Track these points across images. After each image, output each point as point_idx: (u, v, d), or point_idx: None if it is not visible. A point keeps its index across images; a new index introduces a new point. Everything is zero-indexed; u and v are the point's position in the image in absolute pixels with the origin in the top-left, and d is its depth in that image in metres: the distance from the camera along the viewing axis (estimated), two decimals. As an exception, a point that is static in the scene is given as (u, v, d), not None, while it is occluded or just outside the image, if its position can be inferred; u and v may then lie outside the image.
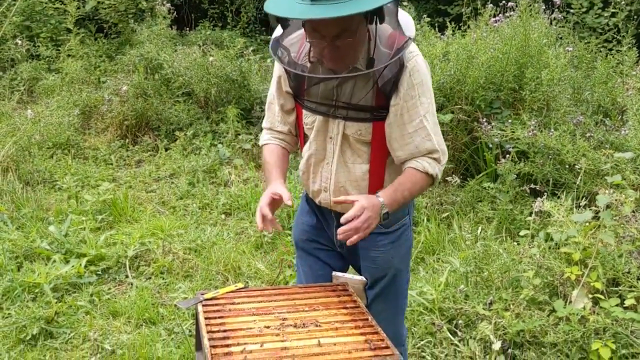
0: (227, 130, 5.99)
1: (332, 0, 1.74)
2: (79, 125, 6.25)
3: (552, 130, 4.31)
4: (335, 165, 2.13)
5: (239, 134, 5.97)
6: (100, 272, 3.84)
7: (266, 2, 1.91)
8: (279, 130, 2.24)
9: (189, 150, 5.86)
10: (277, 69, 2.17)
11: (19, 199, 4.66)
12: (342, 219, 1.89)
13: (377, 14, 1.84)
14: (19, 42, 7.60)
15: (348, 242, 1.90)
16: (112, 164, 5.73)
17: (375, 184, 2.11)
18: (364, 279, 2.21)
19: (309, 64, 2.01)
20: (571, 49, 5.46)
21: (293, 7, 1.80)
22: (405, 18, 1.97)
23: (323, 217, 2.29)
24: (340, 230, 1.89)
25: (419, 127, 1.98)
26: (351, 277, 2.20)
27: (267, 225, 2.04)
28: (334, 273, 2.23)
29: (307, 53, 2.01)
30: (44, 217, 4.49)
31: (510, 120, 4.56)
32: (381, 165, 2.11)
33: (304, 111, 2.15)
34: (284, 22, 1.97)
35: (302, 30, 2.01)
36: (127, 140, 6.16)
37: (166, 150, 5.96)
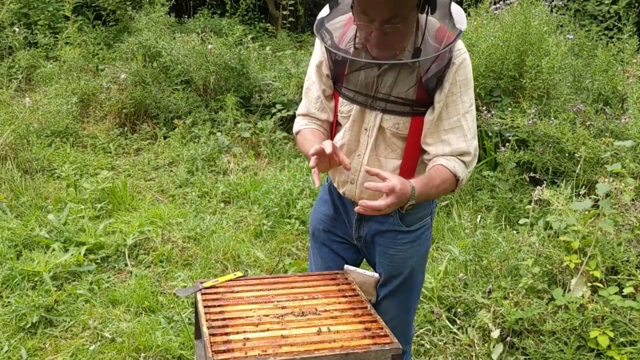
0: (226, 119, 5.97)
1: None
2: (77, 113, 6.22)
3: (552, 118, 4.30)
4: (367, 158, 2.05)
5: (238, 122, 5.95)
6: (99, 261, 3.84)
7: None
8: (317, 117, 2.15)
9: (188, 138, 5.85)
10: (319, 54, 2.07)
11: (18, 187, 4.66)
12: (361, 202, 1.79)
13: (430, 3, 1.79)
14: (17, 29, 7.56)
15: (361, 211, 1.82)
16: (110, 152, 5.72)
17: (406, 170, 2.06)
18: (376, 275, 2.17)
19: (352, 50, 1.93)
20: (572, 36, 5.44)
21: None
22: (457, 9, 1.87)
23: (344, 208, 2.22)
24: (362, 202, 1.79)
25: (456, 126, 1.93)
26: (363, 272, 2.17)
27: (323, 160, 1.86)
28: (345, 267, 2.20)
29: (352, 38, 1.93)
30: (43, 205, 4.48)
31: (510, 109, 4.55)
32: (413, 162, 2.04)
33: (340, 98, 2.07)
34: (334, 1, 1.92)
35: (347, 15, 1.93)
36: (125, 128, 6.14)
37: (165, 138, 5.95)
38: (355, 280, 2.18)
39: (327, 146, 1.82)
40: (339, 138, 2.10)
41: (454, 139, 1.93)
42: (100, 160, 5.50)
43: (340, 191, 2.18)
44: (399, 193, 1.78)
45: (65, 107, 6.01)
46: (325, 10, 1.96)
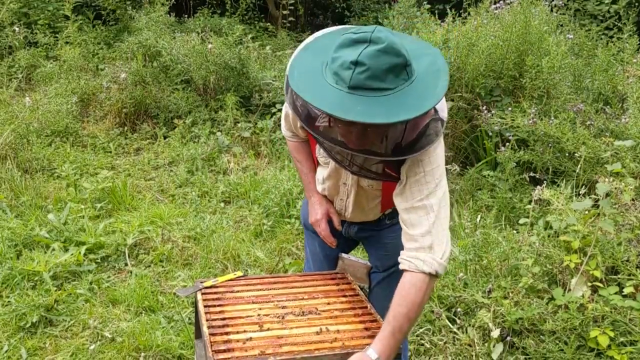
0: (226, 118, 5.97)
1: (375, 91, 1.54)
2: (77, 113, 6.23)
3: (552, 118, 4.30)
4: (351, 204, 2.14)
5: (238, 122, 5.95)
6: (99, 260, 3.84)
7: (291, 70, 1.68)
8: (300, 135, 2.20)
9: (188, 138, 5.84)
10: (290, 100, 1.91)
11: (18, 187, 4.65)
12: None
13: None
14: (17, 29, 7.56)
15: None
16: (110, 152, 5.72)
17: (387, 204, 2.11)
18: (369, 263, 2.23)
19: (325, 125, 1.79)
20: (572, 36, 5.44)
21: (325, 93, 1.57)
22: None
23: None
24: None
25: (419, 206, 1.81)
26: (356, 260, 2.24)
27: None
28: (340, 254, 2.25)
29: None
30: (43, 205, 4.48)
31: (510, 108, 4.54)
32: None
33: (317, 145, 2.06)
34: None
35: None
36: (125, 128, 6.14)
37: (165, 138, 5.94)
38: (348, 267, 2.22)
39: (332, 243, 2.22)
40: (320, 181, 2.19)
41: (415, 218, 1.82)
42: (100, 159, 5.49)
43: None
44: None
45: (65, 106, 6.00)
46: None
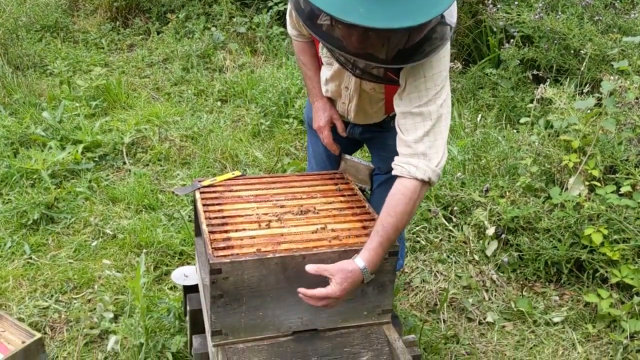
0: (221, 13, 5.75)
1: None
2: (66, 6, 6.01)
3: (560, 13, 4.14)
4: (353, 108, 2.09)
5: (233, 17, 5.73)
6: (97, 159, 3.83)
7: None
8: (306, 35, 2.11)
9: (182, 34, 5.65)
10: None
11: (10, 84, 4.56)
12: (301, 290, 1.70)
13: None
14: None
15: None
16: (103, 48, 5.56)
17: (391, 106, 1.99)
18: (371, 165, 2.22)
19: (327, 26, 1.65)
20: None
21: None
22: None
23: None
24: (301, 290, 1.70)
25: (416, 112, 1.73)
26: (359, 161, 2.22)
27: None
28: (343, 155, 2.24)
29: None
30: (37, 102, 4.41)
31: (516, 2, 4.37)
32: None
33: (320, 44, 1.97)
34: None
35: None
36: (117, 23, 5.93)
37: (158, 33, 5.76)
38: (351, 168, 2.21)
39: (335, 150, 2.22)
40: (323, 82, 2.14)
41: (411, 123, 1.75)
42: (93, 56, 5.35)
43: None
44: (341, 292, 1.67)
45: (53, -1, 5.79)
46: None
